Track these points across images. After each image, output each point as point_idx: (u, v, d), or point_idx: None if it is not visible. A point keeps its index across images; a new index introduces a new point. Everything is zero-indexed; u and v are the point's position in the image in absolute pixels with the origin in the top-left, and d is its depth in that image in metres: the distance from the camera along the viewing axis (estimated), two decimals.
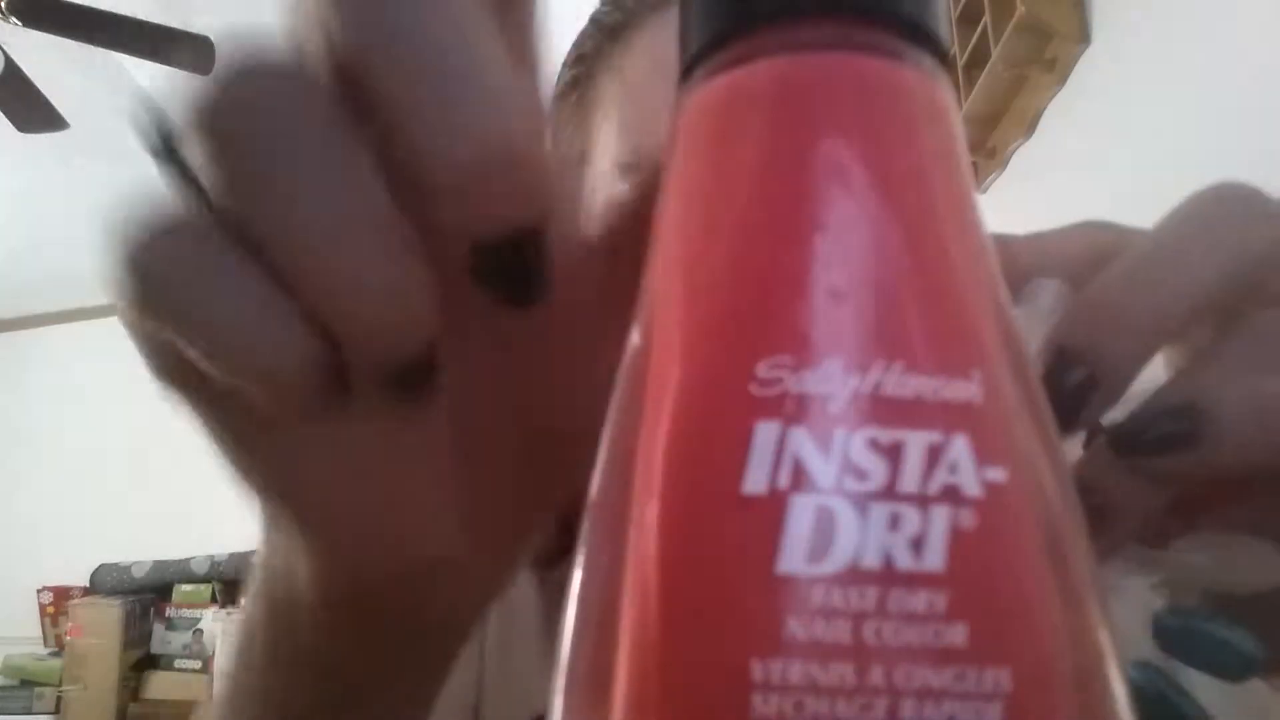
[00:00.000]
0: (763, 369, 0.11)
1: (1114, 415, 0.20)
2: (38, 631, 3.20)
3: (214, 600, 3.05)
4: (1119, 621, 0.18)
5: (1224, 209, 0.19)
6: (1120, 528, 0.18)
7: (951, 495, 0.10)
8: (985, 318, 0.12)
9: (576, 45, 0.46)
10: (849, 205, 0.12)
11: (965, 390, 0.11)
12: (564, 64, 0.47)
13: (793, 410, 0.11)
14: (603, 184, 0.42)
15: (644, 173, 0.40)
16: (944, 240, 0.13)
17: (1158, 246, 0.19)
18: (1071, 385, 0.18)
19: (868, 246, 0.12)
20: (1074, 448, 0.19)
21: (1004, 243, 0.20)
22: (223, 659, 2.77)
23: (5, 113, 2.03)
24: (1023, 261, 0.21)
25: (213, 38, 1.92)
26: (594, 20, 0.45)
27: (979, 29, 1.44)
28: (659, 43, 0.41)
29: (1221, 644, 0.19)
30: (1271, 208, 0.20)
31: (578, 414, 0.16)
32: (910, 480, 0.10)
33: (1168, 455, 0.18)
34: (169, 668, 2.97)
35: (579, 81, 0.46)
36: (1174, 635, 0.19)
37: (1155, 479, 0.18)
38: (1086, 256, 0.20)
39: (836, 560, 0.10)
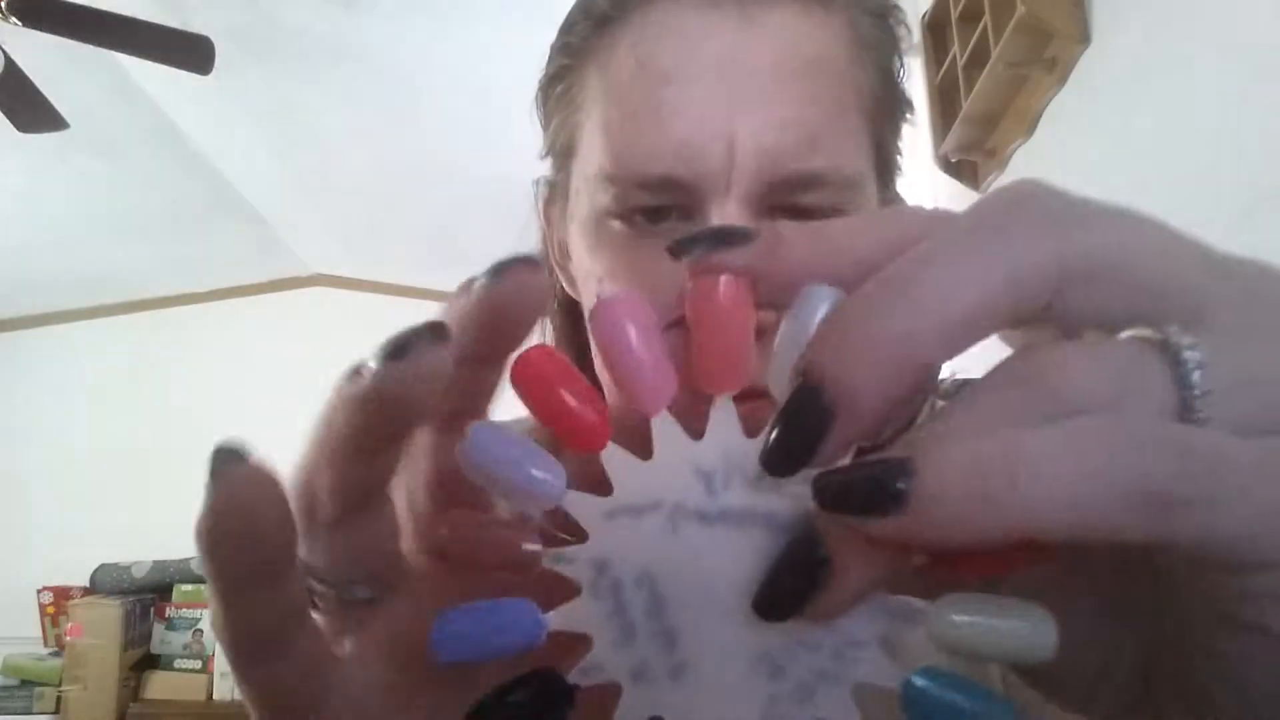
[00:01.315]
0: None
1: None
2: (38, 631, 3.20)
3: None
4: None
5: (1010, 214, 0.16)
6: (850, 581, 0.16)
7: None
8: None
9: (564, 30, 0.44)
10: None
11: None
12: (552, 49, 0.45)
13: None
14: (587, 190, 0.41)
15: (623, 183, 0.38)
16: None
17: (922, 258, 0.16)
18: (808, 414, 0.16)
19: None
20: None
21: (776, 238, 0.18)
22: (223, 659, 2.77)
23: (5, 113, 2.04)
24: (798, 260, 0.18)
25: (212, 38, 1.92)
26: (583, 6, 0.43)
27: (979, 29, 1.44)
28: (646, 41, 0.39)
29: (969, 717, 0.16)
30: (1070, 210, 0.16)
31: None
32: None
33: (867, 517, 0.15)
34: (169, 668, 2.97)
35: (565, 74, 0.44)
36: (918, 703, 0.17)
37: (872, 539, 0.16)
38: (874, 258, 0.17)
39: None
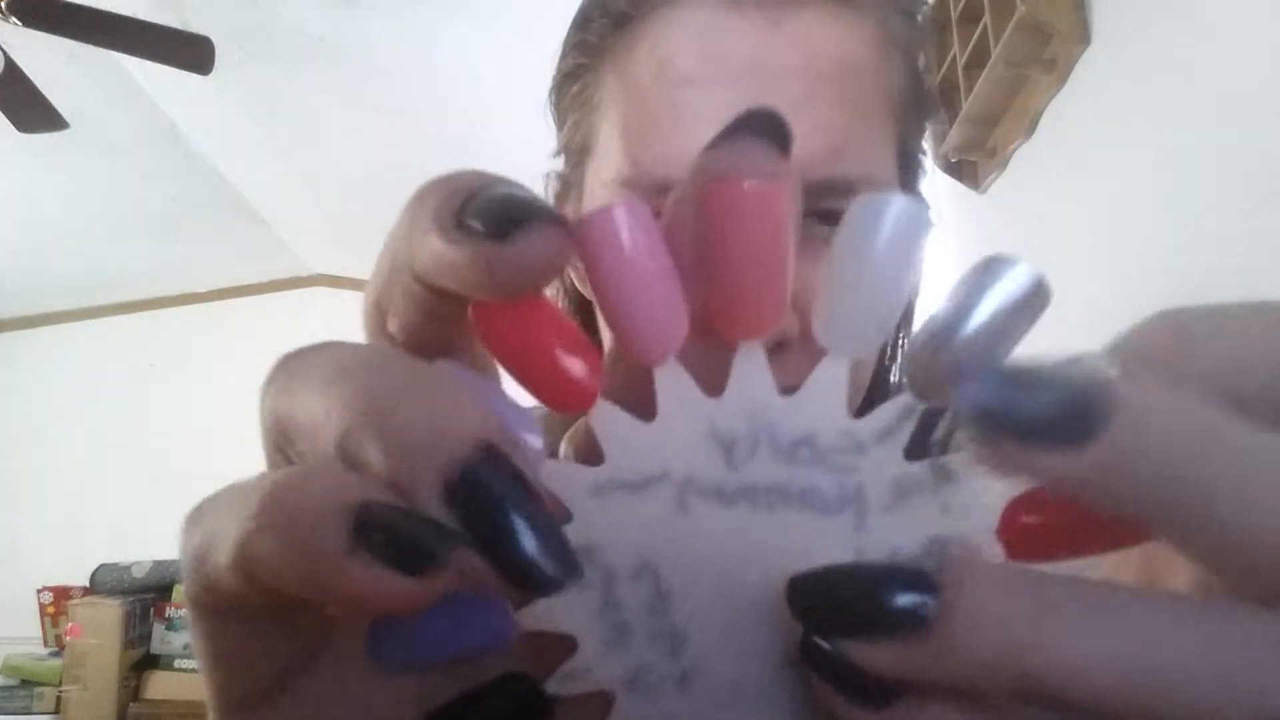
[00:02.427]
0: None
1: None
2: (38, 631, 3.20)
3: None
4: None
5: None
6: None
7: None
8: None
9: (580, 26, 0.42)
10: None
11: None
12: (566, 44, 0.43)
13: None
14: (604, 194, 0.40)
15: (642, 188, 0.37)
16: None
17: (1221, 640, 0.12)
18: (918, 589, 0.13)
19: None
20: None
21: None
22: None
23: (5, 113, 2.03)
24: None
25: (212, 38, 1.92)
26: (600, 3, 0.41)
27: (979, 29, 1.44)
28: (666, 43, 0.38)
29: None
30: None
31: None
32: None
33: (868, 645, 0.13)
34: (169, 668, 2.97)
35: (582, 73, 0.42)
36: None
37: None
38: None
39: None
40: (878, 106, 0.39)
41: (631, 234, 0.14)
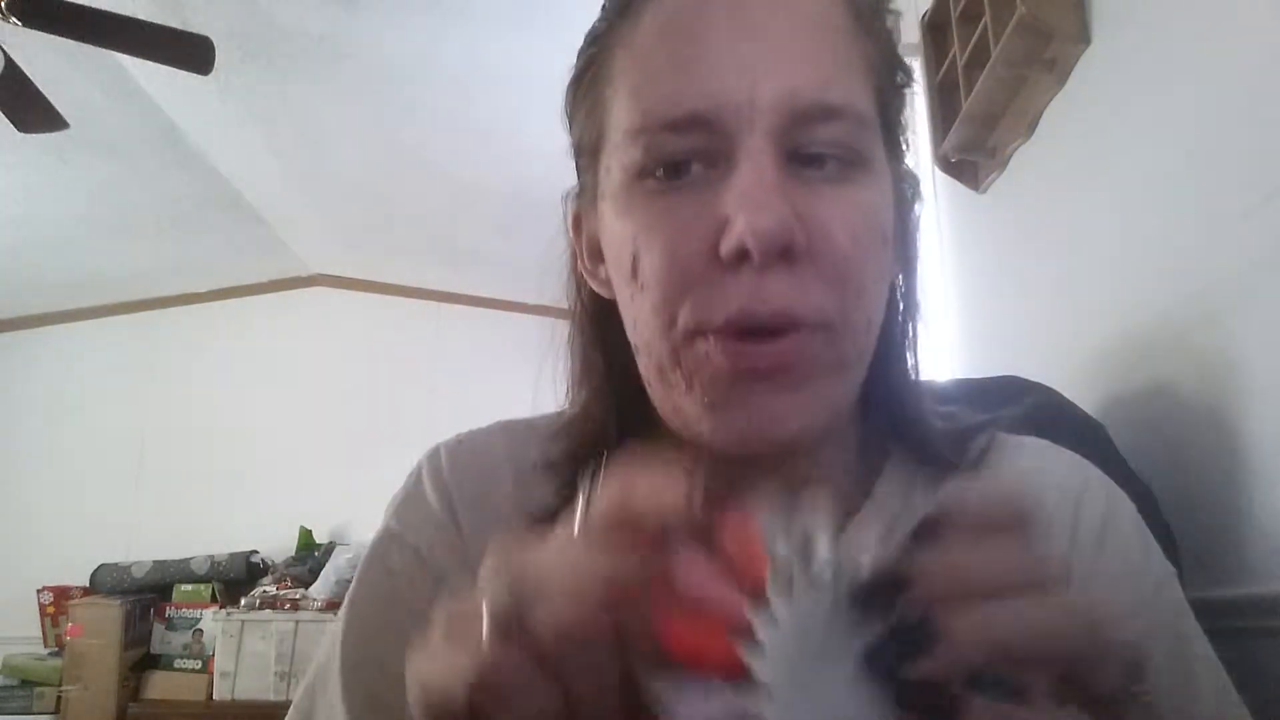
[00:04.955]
0: None
1: None
2: (38, 631, 3.20)
3: (214, 600, 3.06)
4: None
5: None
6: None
7: None
8: None
9: (591, 32, 0.47)
10: None
11: None
12: (580, 53, 0.47)
13: None
14: (617, 156, 0.43)
15: (651, 133, 0.41)
16: None
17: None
18: (914, 629, 0.24)
19: None
20: None
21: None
22: (223, 658, 2.77)
23: (5, 113, 2.03)
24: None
25: (212, 38, 1.92)
26: (604, 5, 0.46)
27: (979, 29, 1.44)
28: (668, 9, 0.42)
29: None
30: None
31: None
32: None
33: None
34: (169, 667, 2.97)
35: (592, 61, 0.46)
36: None
37: None
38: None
39: None
40: (855, 60, 0.43)
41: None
